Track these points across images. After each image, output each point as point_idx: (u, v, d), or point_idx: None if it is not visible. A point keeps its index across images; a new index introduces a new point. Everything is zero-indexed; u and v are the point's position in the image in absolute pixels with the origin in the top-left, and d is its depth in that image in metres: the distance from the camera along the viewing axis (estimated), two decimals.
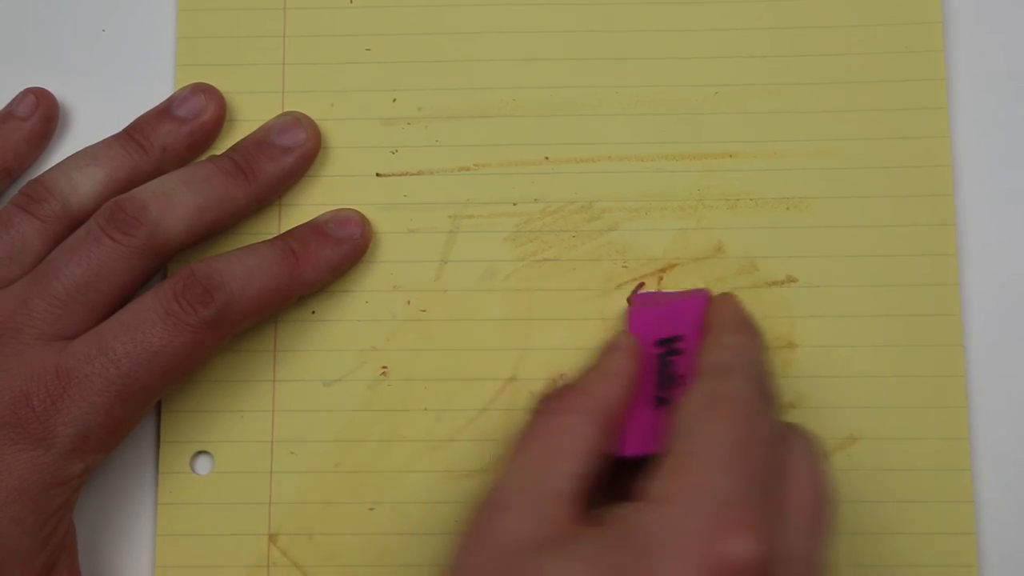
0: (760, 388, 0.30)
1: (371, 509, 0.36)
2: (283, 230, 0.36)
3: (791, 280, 0.36)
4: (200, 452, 0.36)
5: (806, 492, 0.29)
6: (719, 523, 0.26)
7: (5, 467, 0.30)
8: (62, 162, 0.35)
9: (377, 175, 0.37)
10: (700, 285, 0.36)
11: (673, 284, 0.36)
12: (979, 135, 0.37)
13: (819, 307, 0.36)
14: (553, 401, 0.31)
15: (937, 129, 0.37)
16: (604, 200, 0.37)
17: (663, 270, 0.37)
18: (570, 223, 0.37)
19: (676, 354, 0.32)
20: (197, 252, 0.36)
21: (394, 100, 0.38)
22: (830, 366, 0.36)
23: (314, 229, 0.36)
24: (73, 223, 0.34)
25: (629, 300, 0.36)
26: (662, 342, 0.33)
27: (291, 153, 0.36)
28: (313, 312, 0.37)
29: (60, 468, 0.31)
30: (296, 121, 0.37)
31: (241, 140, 0.37)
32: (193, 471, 0.36)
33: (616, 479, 0.30)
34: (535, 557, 0.27)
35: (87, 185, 0.35)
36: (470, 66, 0.38)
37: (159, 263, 0.34)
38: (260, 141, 0.36)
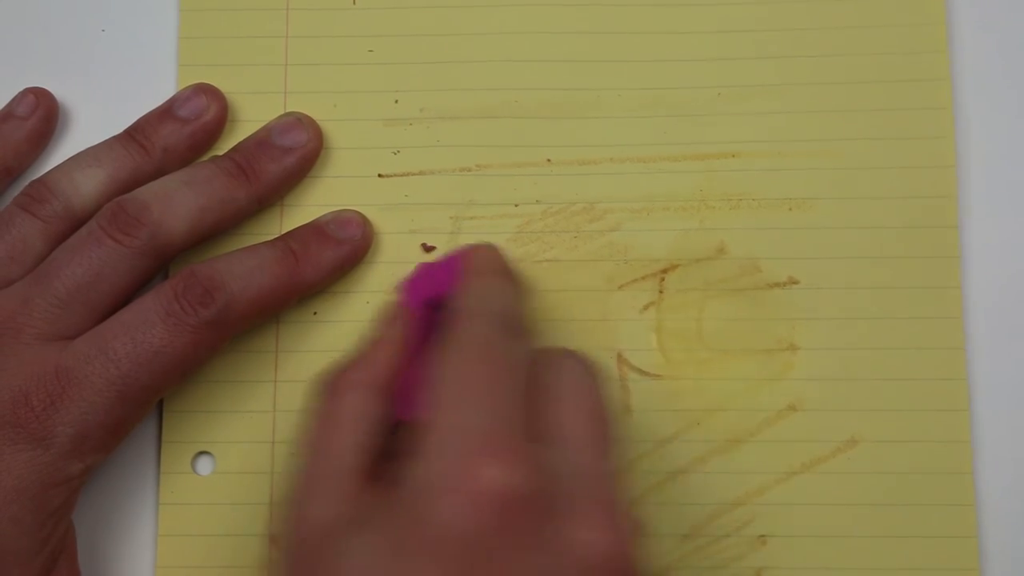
0: (502, 324, 0.30)
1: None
2: (285, 231, 0.36)
3: (793, 282, 0.36)
4: (201, 452, 0.36)
5: (579, 411, 0.29)
6: (469, 457, 0.26)
7: (4, 467, 0.30)
8: (64, 162, 0.35)
9: (379, 176, 0.37)
10: (701, 286, 0.36)
11: (675, 285, 0.36)
12: (983, 136, 0.37)
13: (821, 309, 0.36)
14: (329, 380, 0.31)
15: (940, 130, 0.37)
16: (606, 201, 0.37)
17: (665, 271, 0.37)
18: (572, 224, 0.37)
19: (441, 311, 0.32)
20: (199, 253, 0.36)
21: (396, 101, 0.38)
22: (831, 368, 0.36)
23: (315, 230, 0.36)
24: (75, 223, 0.34)
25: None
26: (431, 303, 0.33)
27: (293, 153, 0.36)
28: (315, 313, 0.37)
29: (60, 468, 0.31)
30: (298, 121, 0.37)
31: (243, 141, 0.37)
32: (194, 471, 0.36)
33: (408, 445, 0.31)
34: (336, 539, 0.27)
35: (89, 185, 0.35)
36: (472, 67, 0.38)
37: (160, 264, 0.34)
38: (262, 141, 0.36)
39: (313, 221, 0.36)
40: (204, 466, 0.36)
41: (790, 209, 0.37)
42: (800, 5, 0.38)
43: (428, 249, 0.37)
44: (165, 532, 0.36)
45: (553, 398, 0.29)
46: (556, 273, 0.37)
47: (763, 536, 0.35)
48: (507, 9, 0.38)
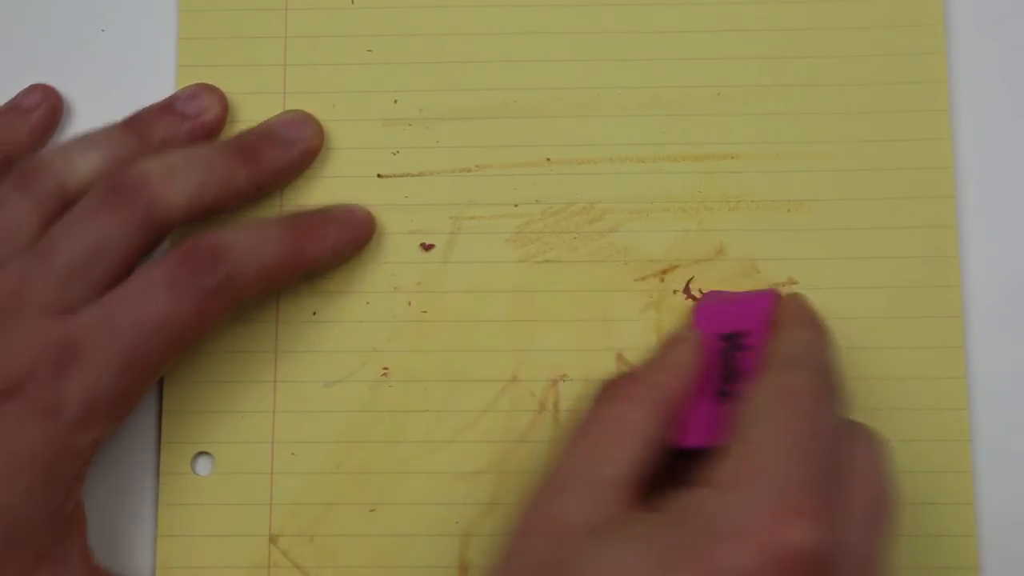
0: (827, 383, 0.30)
1: (372, 510, 0.36)
2: None
3: (792, 282, 0.36)
4: (201, 453, 0.36)
5: (867, 489, 0.29)
6: (780, 509, 0.26)
7: (15, 438, 0.30)
8: (59, 144, 0.35)
9: (378, 176, 0.37)
10: (702, 286, 0.36)
11: (674, 285, 0.36)
12: (981, 137, 0.37)
13: (820, 309, 0.36)
14: (613, 389, 0.31)
15: (939, 131, 0.37)
16: (605, 201, 0.37)
17: (664, 271, 0.37)
18: (571, 224, 0.37)
19: (741, 349, 0.32)
20: (197, 229, 0.36)
21: (395, 101, 0.38)
22: None
23: (320, 212, 0.36)
24: (68, 203, 0.33)
25: (694, 297, 0.36)
26: (726, 337, 0.33)
27: (295, 146, 0.36)
28: (314, 313, 0.37)
29: (70, 439, 0.31)
30: (302, 117, 0.37)
31: (245, 131, 0.37)
32: (194, 472, 0.36)
33: (674, 473, 0.30)
34: (591, 540, 0.27)
35: (84, 166, 0.34)
36: (472, 67, 0.38)
37: (159, 237, 0.33)
38: (265, 132, 0.36)
39: (318, 207, 0.36)
40: (204, 466, 0.36)
41: (789, 210, 0.37)
42: (799, 6, 0.38)
43: (427, 248, 0.37)
44: (165, 532, 0.36)
45: (851, 470, 0.29)
46: (556, 273, 0.37)
47: None
48: (507, 9, 0.38)
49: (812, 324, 0.33)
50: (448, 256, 0.37)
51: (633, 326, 0.36)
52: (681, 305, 0.36)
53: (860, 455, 0.29)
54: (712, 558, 0.26)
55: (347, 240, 0.36)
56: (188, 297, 0.31)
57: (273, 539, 0.36)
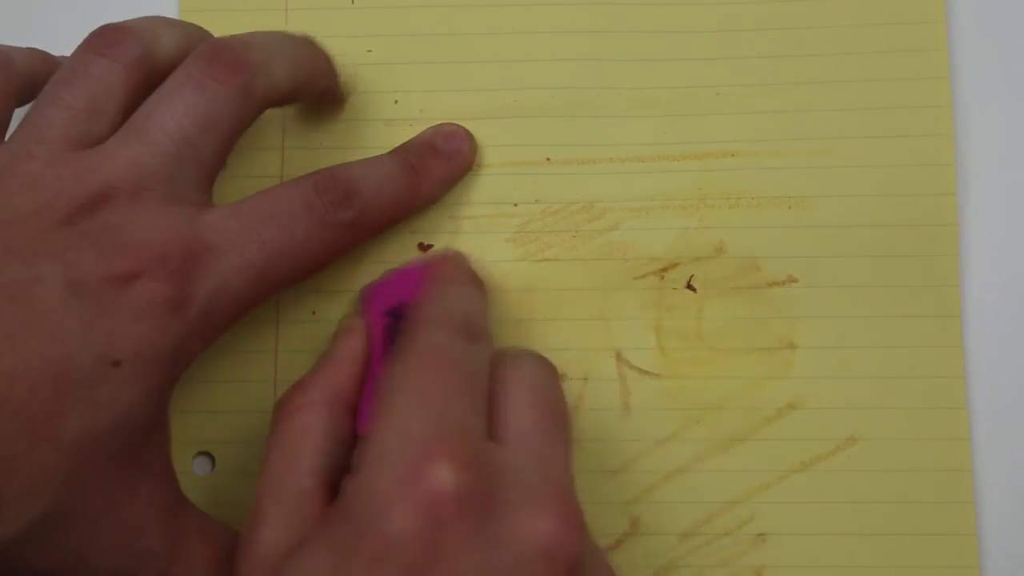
0: (456, 329, 0.30)
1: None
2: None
3: (792, 280, 0.36)
4: (200, 453, 0.36)
5: (522, 410, 0.29)
6: (414, 460, 0.26)
7: (144, 332, 0.28)
8: (137, 18, 0.32)
9: None
10: (702, 285, 0.36)
11: (675, 283, 0.36)
12: (982, 135, 0.37)
13: (820, 307, 0.36)
14: (286, 404, 0.31)
15: (940, 128, 0.37)
16: (605, 200, 0.37)
17: (664, 269, 0.37)
18: (571, 223, 0.37)
19: (401, 320, 0.32)
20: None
21: (396, 101, 0.38)
22: (831, 367, 0.36)
23: (426, 144, 0.36)
24: (154, 76, 0.31)
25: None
26: (388, 312, 0.32)
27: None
28: (314, 313, 0.37)
29: (187, 342, 0.29)
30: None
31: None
32: (193, 472, 0.36)
33: None
34: (287, 566, 0.27)
35: (169, 38, 0.32)
36: (471, 67, 0.38)
37: (260, 112, 0.32)
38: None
39: (420, 135, 0.37)
40: (204, 466, 0.36)
41: (789, 208, 0.37)
42: (799, 4, 0.38)
43: (425, 248, 0.37)
44: None
45: (510, 396, 0.29)
46: (555, 272, 0.37)
47: (763, 534, 0.35)
48: (507, 9, 0.38)
49: (448, 276, 0.32)
50: None
51: (633, 324, 0.36)
52: (682, 302, 0.36)
53: (510, 379, 0.29)
54: (375, 532, 0.25)
55: (454, 173, 0.37)
56: (324, 226, 0.31)
57: None
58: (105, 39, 0.31)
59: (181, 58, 0.32)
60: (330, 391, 0.31)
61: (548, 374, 0.30)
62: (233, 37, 0.32)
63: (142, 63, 0.31)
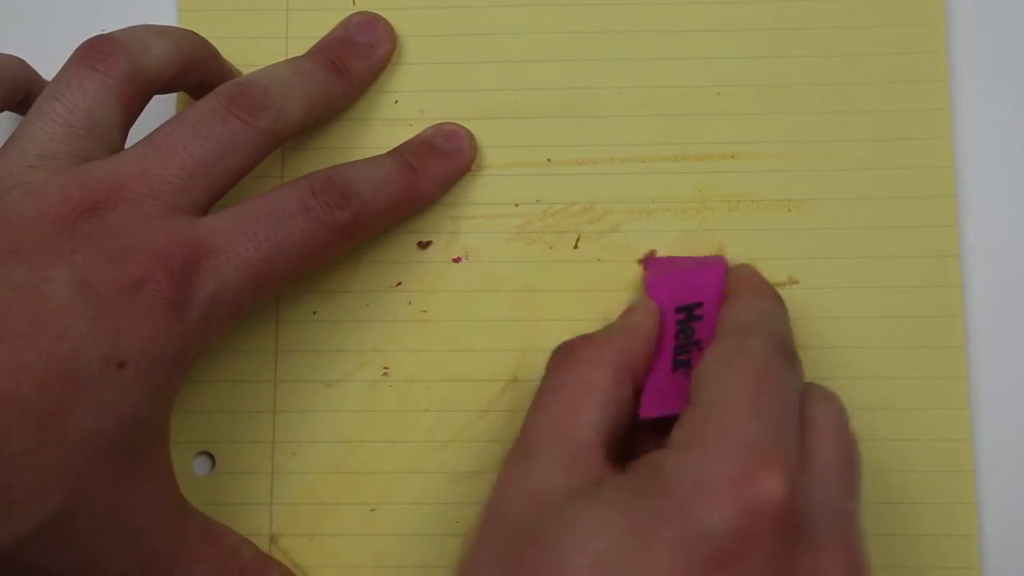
0: (780, 346, 0.30)
1: (372, 510, 0.36)
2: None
3: (793, 282, 0.36)
4: (201, 452, 0.36)
5: (830, 446, 0.29)
6: (748, 463, 0.26)
7: (148, 332, 0.28)
8: (126, 28, 0.33)
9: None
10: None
11: None
12: (981, 136, 0.37)
13: (821, 308, 0.36)
14: (572, 352, 0.31)
15: (939, 130, 0.37)
16: (606, 201, 0.37)
17: None
18: (572, 224, 0.37)
19: (695, 319, 0.33)
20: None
21: (396, 101, 0.38)
22: (832, 368, 0.36)
23: (426, 144, 0.37)
24: (147, 86, 0.32)
25: (643, 264, 0.36)
26: (680, 308, 0.33)
27: (374, 49, 0.37)
28: (314, 312, 0.37)
29: (188, 342, 0.30)
30: (371, 17, 0.37)
31: (325, 39, 0.37)
32: (194, 471, 0.36)
33: (637, 444, 0.31)
34: (565, 504, 0.27)
35: (161, 47, 0.33)
36: (471, 68, 0.38)
37: (273, 149, 0.33)
38: (344, 39, 0.37)
39: (420, 135, 0.37)
40: (204, 466, 0.36)
41: (789, 210, 0.37)
42: (799, 5, 0.38)
43: (424, 246, 0.37)
44: None
45: (811, 428, 0.29)
46: (556, 273, 0.37)
47: None
48: (506, 9, 0.38)
49: (764, 290, 0.33)
50: (448, 256, 0.37)
51: None
52: None
53: (820, 414, 0.30)
54: (692, 518, 0.26)
55: (454, 172, 0.37)
56: (321, 226, 0.32)
57: (273, 539, 0.36)
58: (96, 52, 0.32)
59: (173, 67, 0.33)
60: (620, 357, 0.31)
61: (844, 413, 0.30)
62: (254, 79, 0.33)
63: (133, 76, 0.32)
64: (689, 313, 0.33)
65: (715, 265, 0.35)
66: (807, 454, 0.28)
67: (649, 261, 0.36)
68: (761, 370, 0.29)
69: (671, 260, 0.36)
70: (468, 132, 0.37)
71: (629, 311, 0.34)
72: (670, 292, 0.34)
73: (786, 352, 0.30)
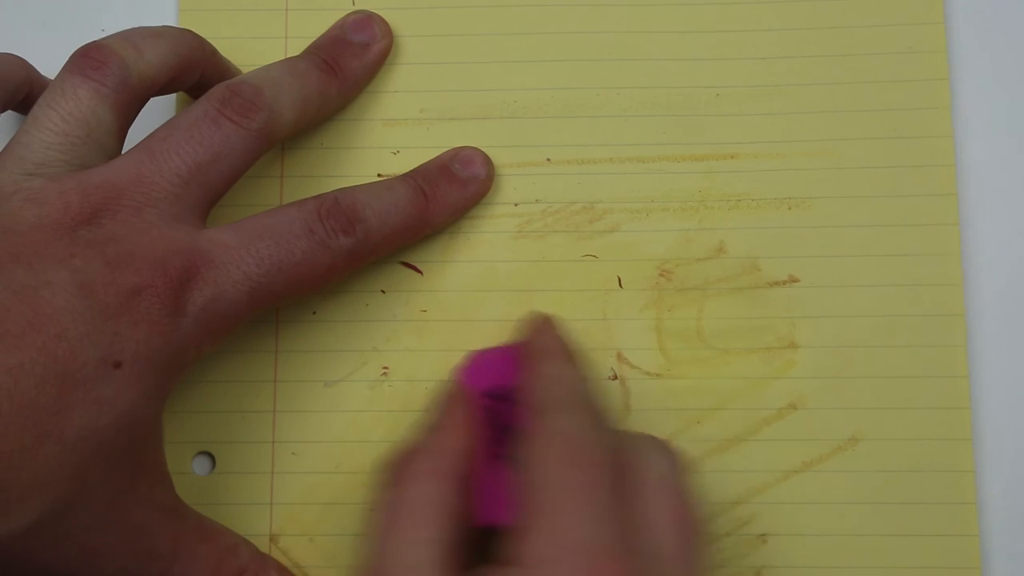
0: (589, 417, 0.29)
1: (372, 510, 0.36)
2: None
3: (793, 280, 0.36)
4: (201, 452, 0.36)
5: (666, 510, 0.29)
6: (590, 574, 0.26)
7: (143, 336, 0.29)
8: (119, 32, 0.33)
9: (378, 176, 0.37)
10: (701, 285, 0.36)
11: (675, 284, 0.36)
12: (982, 135, 0.37)
13: (821, 307, 0.36)
14: (399, 469, 0.30)
15: (940, 129, 0.37)
16: (606, 201, 0.37)
17: (665, 270, 0.37)
18: (572, 224, 0.37)
19: (504, 402, 0.32)
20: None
21: (396, 101, 0.38)
22: (832, 367, 0.36)
23: (441, 169, 0.36)
24: (141, 91, 0.33)
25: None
26: (488, 394, 0.32)
27: (369, 48, 0.37)
28: (314, 313, 0.37)
29: (183, 349, 0.30)
30: (366, 16, 0.37)
31: (319, 39, 0.37)
32: (194, 472, 0.36)
33: (478, 545, 0.30)
34: None
35: (155, 51, 0.33)
36: (471, 67, 0.38)
37: (267, 150, 0.33)
38: (339, 38, 0.37)
39: (437, 159, 0.37)
40: (204, 466, 0.36)
41: (790, 208, 0.37)
42: (799, 5, 0.38)
43: (412, 267, 0.37)
44: None
45: (641, 499, 0.29)
46: (556, 273, 0.37)
47: (764, 535, 0.35)
48: (506, 9, 0.38)
49: (560, 353, 0.32)
50: (448, 255, 0.37)
51: (633, 325, 0.36)
52: (682, 302, 0.36)
53: (649, 477, 0.29)
54: None
55: (468, 201, 0.37)
56: (323, 250, 0.32)
57: (273, 539, 0.36)
58: (89, 60, 0.32)
59: (168, 71, 0.33)
60: (444, 462, 0.30)
61: (676, 468, 0.30)
62: (246, 79, 0.33)
63: (127, 83, 0.32)
64: (495, 398, 0.32)
65: (517, 343, 0.33)
66: (637, 529, 0.28)
67: (469, 355, 0.34)
68: (571, 455, 0.28)
69: (483, 350, 0.34)
70: (486, 159, 0.37)
71: (442, 406, 0.32)
72: (480, 379, 0.33)
73: (589, 414, 0.30)
